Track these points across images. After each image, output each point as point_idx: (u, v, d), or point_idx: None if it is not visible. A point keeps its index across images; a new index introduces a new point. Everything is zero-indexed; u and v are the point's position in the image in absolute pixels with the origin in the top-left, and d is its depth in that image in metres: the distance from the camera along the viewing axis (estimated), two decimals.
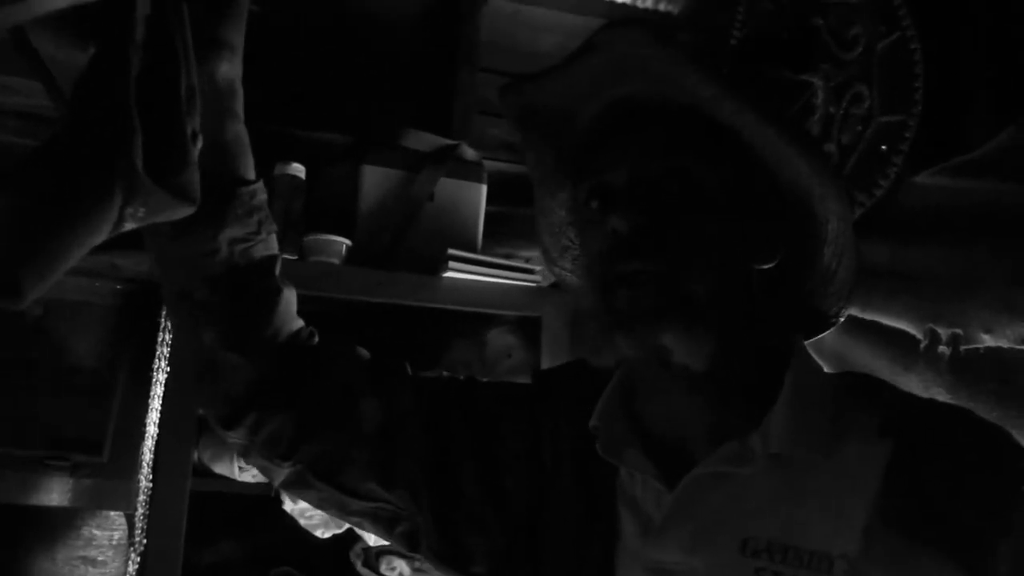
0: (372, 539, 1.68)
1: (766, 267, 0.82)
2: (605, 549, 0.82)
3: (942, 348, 1.24)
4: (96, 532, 1.77)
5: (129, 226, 0.72)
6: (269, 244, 0.94)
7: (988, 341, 1.17)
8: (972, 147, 1.38)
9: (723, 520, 0.78)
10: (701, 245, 0.78)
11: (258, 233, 0.91)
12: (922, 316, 1.30)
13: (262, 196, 0.92)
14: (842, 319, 0.88)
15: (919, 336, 1.30)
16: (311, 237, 1.67)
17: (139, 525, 1.54)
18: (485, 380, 1.04)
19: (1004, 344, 1.16)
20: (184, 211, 0.75)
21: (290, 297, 0.95)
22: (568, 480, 0.88)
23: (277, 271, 0.94)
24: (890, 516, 0.73)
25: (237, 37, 0.88)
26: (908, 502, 0.73)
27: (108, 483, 1.70)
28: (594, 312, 0.82)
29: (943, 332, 1.25)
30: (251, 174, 0.92)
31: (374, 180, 1.76)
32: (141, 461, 1.56)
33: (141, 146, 0.70)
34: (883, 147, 1.61)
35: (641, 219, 0.78)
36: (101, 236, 0.70)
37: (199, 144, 0.79)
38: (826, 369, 0.89)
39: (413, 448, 0.92)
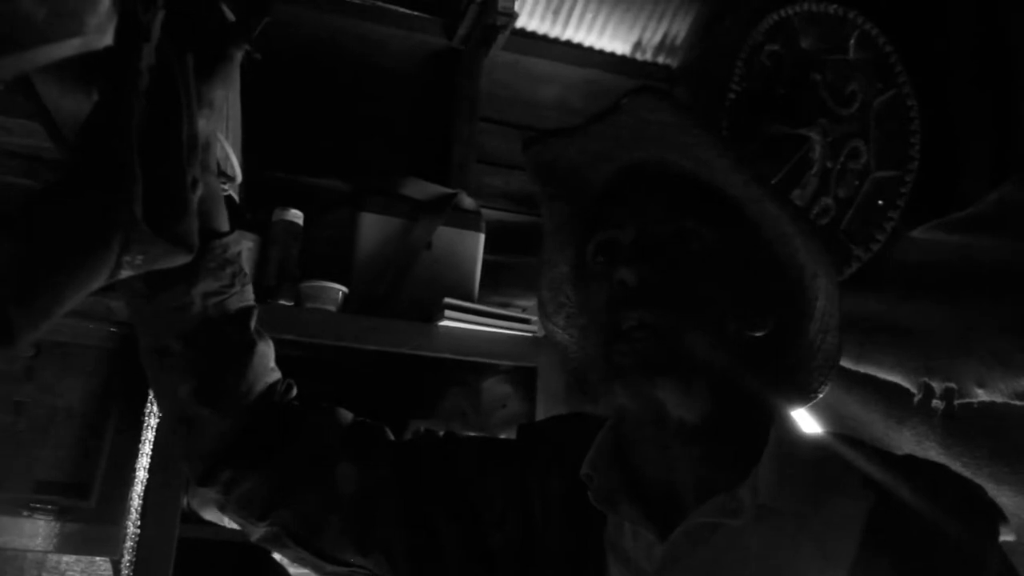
0: None
1: (756, 335, 0.84)
2: None
3: (936, 402, 1.24)
4: None
5: (126, 273, 0.71)
6: (244, 296, 0.93)
7: (982, 395, 1.17)
8: (968, 203, 1.39)
9: (715, 571, 0.79)
10: (702, 303, 0.81)
11: (232, 286, 0.91)
12: (916, 370, 1.30)
13: (235, 248, 0.92)
14: (821, 395, 0.90)
15: (913, 390, 1.30)
16: (307, 284, 1.67)
17: (125, 571, 1.51)
18: (467, 435, 1.05)
19: (998, 399, 1.16)
20: (182, 259, 0.75)
21: (265, 350, 0.94)
22: (557, 532, 0.88)
23: (252, 324, 0.93)
24: (874, 565, 0.74)
25: (219, 94, 0.88)
26: (888, 555, 0.75)
27: (95, 528, 1.67)
28: (594, 362, 0.84)
29: (937, 386, 1.25)
30: (224, 226, 0.92)
31: (372, 227, 1.77)
32: (129, 506, 1.54)
33: (141, 195, 0.70)
34: (880, 202, 1.63)
35: (647, 272, 0.80)
36: (97, 283, 0.70)
37: (199, 192, 0.79)
38: (819, 421, 0.89)
39: (391, 514, 0.92)
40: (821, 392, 0.90)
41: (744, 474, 0.80)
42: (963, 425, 1.23)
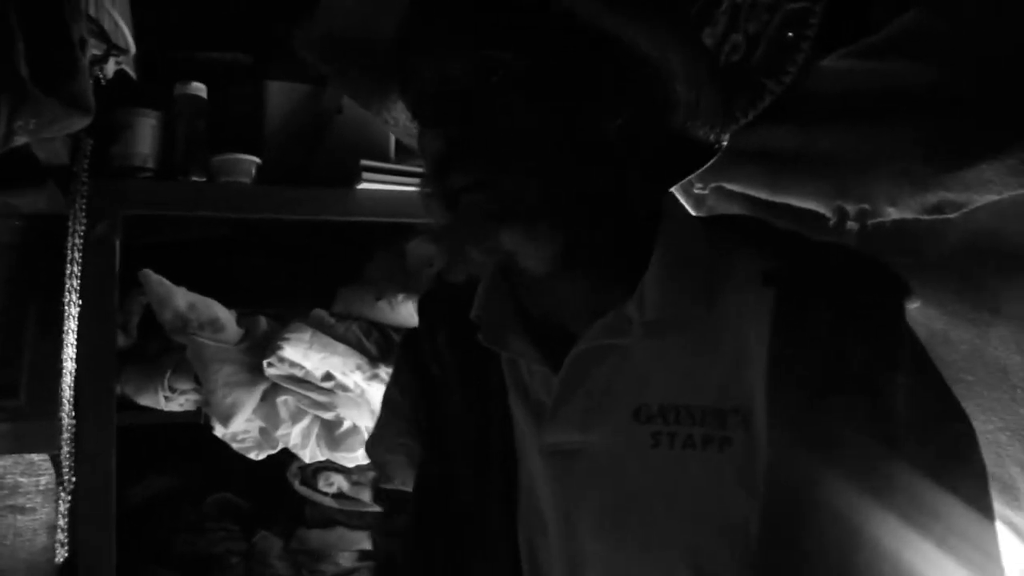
0: (308, 456, 1.69)
1: (614, 126, 0.77)
2: (505, 443, 0.83)
3: (850, 224, 1.27)
4: (21, 479, 1.73)
5: (20, 140, 0.68)
6: None
7: (894, 214, 1.20)
8: (878, 30, 1.39)
9: (613, 392, 0.78)
10: (525, 142, 0.75)
11: None
12: (830, 194, 1.32)
13: None
14: (724, 144, 0.85)
15: (828, 214, 1.32)
16: (219, 157, 1.63)
17: (66, 464, 1.51)
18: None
19: (909, 215, 1.19)
20: (80, 122, 0.72)
21: None
22: (456, 381, 0.89)
23: None
24: (783, 367, 0.72)
25: None
26: (799, 352, 0.72)
27: (28, 425, 1.64)
28: (441, 224, 0.78)
29: (851, 208, 1.28)
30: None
31: (279, 95, 1.72)
32: (61, 399, 1.52)
33: (24, 53, 0.66)
34: (790, 34, 1.62)
35: (454, 130, 0.74)
36: None
37: (89, 51, 0.75)
38: None
39: None
40: (723, 142, 0.85)
41: (633, 289, 0.77)
42: (877, 243, 1.26)
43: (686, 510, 0.74)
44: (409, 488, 1.05)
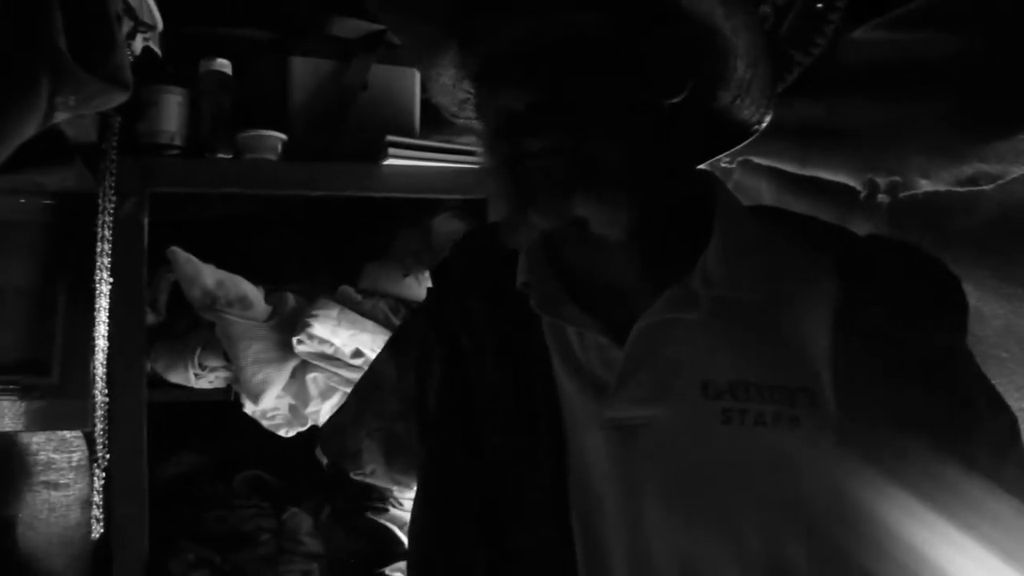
0: None
1: (676, 101, 0.77)
2: (550, 416, 0.81)
3: (881, 197, 1.26)
4: (54, 456, 1.75)
5: (61, 116, 0.68)
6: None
7: (926, 186, 1.19)
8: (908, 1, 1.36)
9: (679, 367, 0.77)
10: (603, 108, 0.75)
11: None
12: (861, 167, 1.31)
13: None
14: (764, 125, 0.85)
15: (858, 187, 1.31)
16: (245, 134, 1.62)
17: (100, 441, 1.52)
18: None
19: (941, 187, 1.18)
20: (119, 97, 0.72)
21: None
22: (492, 351, 0.86)
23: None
24: (850, 351, 0.73)
25: None
26: (866, 338, 0.73)
27: (61, 403, 1.66)
28: (502, 189, 0.78)
29: (882, 181, 1.27)
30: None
31: (304, 72, 1.71)
32: (94, 377, 1.53)
33: (62, 28, 0.66)
34: (818, 5, 1.59)
35: (534, 94, 0.74)
36: (31, 129, 0.67)
37: (125, 26, 0.75)
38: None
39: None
40: (764, 124, 0.85)
41: (692, 264, 0.77)
42: (908, 218, 1.25)
43: (757, 487, 0.74)
44: (377, 481, 1.06)
